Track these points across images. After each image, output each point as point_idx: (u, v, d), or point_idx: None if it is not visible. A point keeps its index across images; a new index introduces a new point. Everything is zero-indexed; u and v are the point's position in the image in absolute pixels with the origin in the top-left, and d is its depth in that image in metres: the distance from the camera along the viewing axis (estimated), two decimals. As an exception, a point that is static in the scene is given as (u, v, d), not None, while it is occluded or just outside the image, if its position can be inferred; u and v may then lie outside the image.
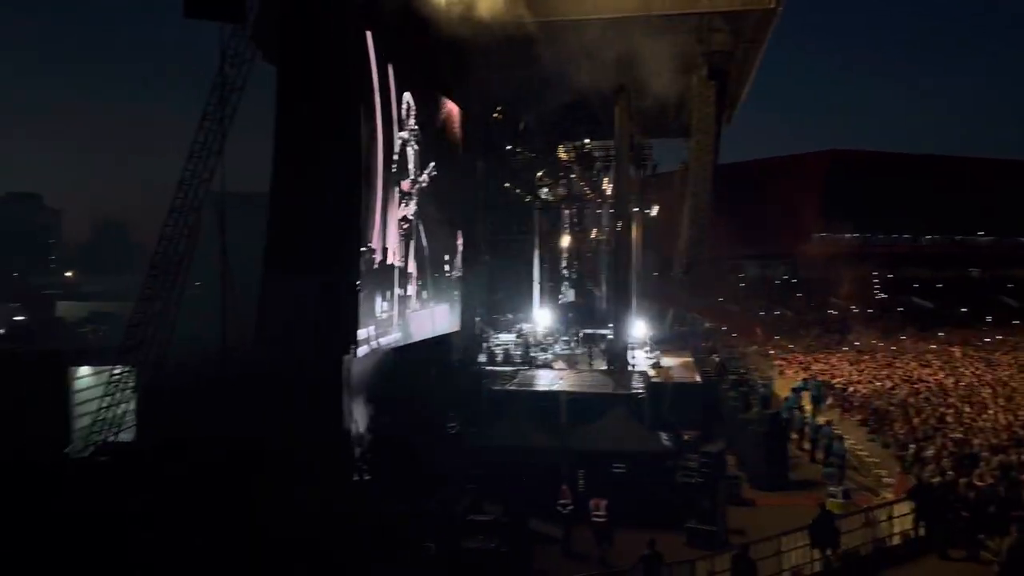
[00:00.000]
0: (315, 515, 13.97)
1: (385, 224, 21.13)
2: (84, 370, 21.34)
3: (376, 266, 20.40)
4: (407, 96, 22.99)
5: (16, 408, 18.35)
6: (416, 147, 24.01)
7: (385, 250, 21.30)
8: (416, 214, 24.12)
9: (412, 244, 23.64)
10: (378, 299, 20.04)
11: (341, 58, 18.41)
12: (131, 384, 19.13)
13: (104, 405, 18.82)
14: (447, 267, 26.38)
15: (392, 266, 21.74)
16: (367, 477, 16.89)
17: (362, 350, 18.47)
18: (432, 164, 26.16)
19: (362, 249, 19.21)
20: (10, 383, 19.39)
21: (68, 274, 77.10)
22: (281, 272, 18.63)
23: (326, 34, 18.33)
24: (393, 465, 17.70)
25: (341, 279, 18.37)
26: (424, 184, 25.29)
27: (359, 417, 19.12)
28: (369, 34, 18.88)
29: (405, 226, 23.42)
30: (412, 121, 23.58)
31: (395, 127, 21.91)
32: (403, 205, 23.18)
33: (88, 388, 21.05)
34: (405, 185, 23.30)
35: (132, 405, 19.26)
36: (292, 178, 18.51)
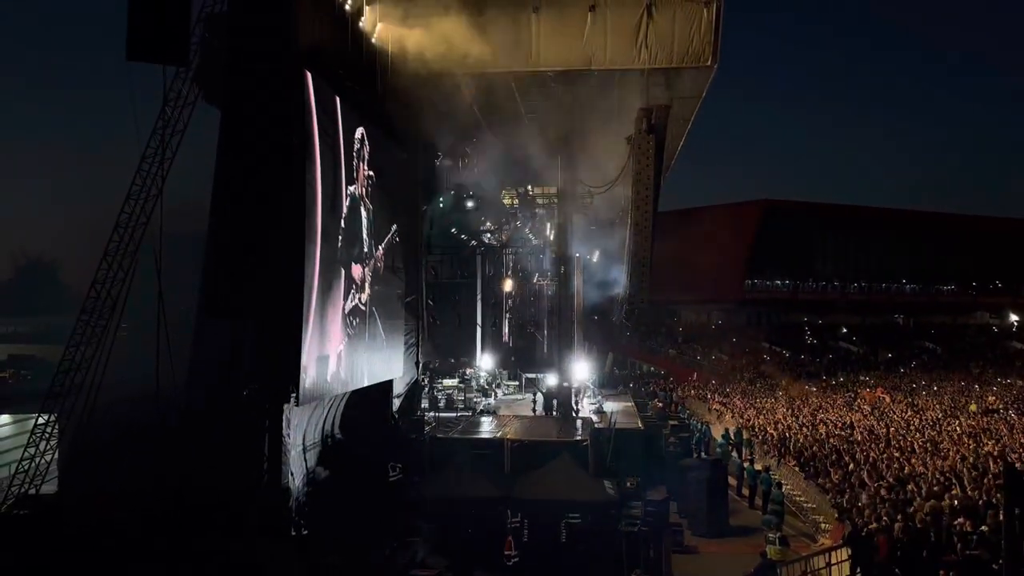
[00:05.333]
0: (252, 572, 13.45)
1: (324, 319, 19.43)
2: (4, 418, 20.30)
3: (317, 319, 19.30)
4: (359, 134, 22.06)
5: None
6: (369, 206, 22.88)
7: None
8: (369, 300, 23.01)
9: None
10: (320, 343, 19.53)
11: (284, 102, 18.28)
12: (55, 433, 18.21)
13: (26, 456, 17.85)
14: (391, 310, 26.04)
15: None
16: (304, 531, 16.33)
17: (303, 398, 17.96)
18: (394, 228, 25.58)
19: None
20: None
21: (-15, 315, 72.88)
22: (217, 316, 18.19)
23: (268, 77, 18.19)
24: (333, 517, 17.21)
25: (281, 325, 17.96)
26: (380, 264, 24.24)
27: (297, 468, 18.55)
28: (310, 76, 18.76)
29: (355, 321, 21.94)
30: (364, 170, 22.40)
31: (343, 184, 20.71)
32: (353, 294, 21.83)
33: (8, 437, 20.01)
34: (356, 271, 21.90)
35: (56, 455, 18.34)
36: (232, 219, 18.17)
